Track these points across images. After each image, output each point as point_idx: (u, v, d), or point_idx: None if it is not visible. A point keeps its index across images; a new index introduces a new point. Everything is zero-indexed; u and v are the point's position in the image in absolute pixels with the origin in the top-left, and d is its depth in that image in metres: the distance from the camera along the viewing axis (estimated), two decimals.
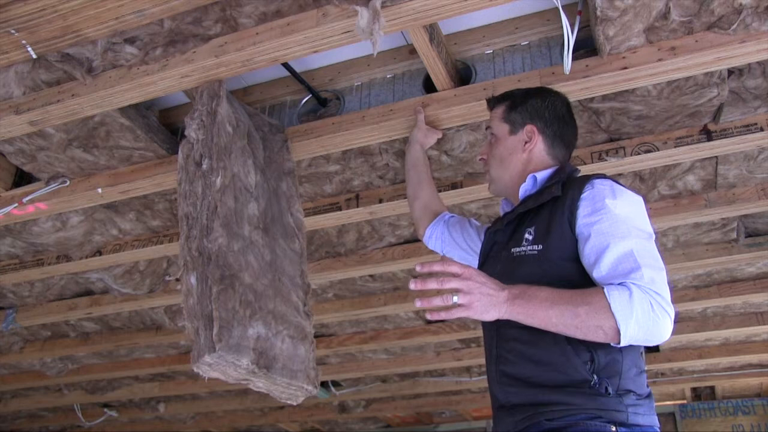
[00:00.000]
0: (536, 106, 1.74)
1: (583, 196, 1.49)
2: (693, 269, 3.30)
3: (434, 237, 2.08)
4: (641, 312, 1.30)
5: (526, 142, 1.71)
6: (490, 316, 1.32)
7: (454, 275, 1.31)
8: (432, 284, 1.27)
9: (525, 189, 1.65)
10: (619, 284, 1.35)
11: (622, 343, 1.32)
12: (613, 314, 1.30)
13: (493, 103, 1.81)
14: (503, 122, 1.73)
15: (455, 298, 1.28)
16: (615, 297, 1.31)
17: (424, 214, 2.13)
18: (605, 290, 1.33)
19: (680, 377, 5.08)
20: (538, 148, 1.71)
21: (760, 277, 3.48)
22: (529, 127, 1.72)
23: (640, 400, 1.40)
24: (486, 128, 1.74)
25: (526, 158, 1.70)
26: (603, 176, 1.55)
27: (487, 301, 1.30)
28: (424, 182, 2.17)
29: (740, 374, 4.97)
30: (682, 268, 3.22)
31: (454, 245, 2.04)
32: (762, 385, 5.47)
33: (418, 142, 2.19)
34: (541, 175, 1.65)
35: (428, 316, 1.30)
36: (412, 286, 1.27)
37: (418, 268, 1.30)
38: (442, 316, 1.28)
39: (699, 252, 3.14)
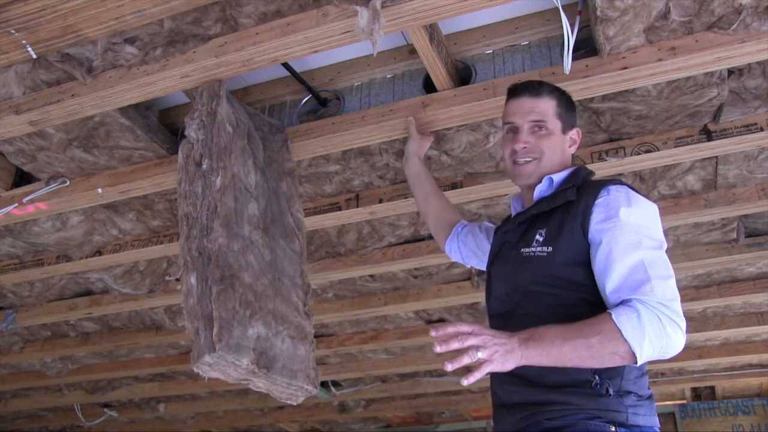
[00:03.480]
0: (573, 110, 1.76)
1: (597, 201, 1.49)
2: (693, 269, 3.30)
3: (453, 251, 2.11)
4: (652, 331, 1.31)
5: (571, 145, 1.72)
6: (510, 364, 1.30)
7: (468, 333, 1.30)
8: (454, 344, 1.27)
9: (540, 190, 1.65)
10: (625, 304, 1.35)
11: (639, 363, 1.33)
12: (625, 339, 1.30)
13: (537, 90, 1.70)
14: (557, 118, 1.69)
15: (480, 354, 1.27)
16: (624, 321, 1.31)
17: (440, 227, 2.14)
18: (613, 316, 1.33)
19: (680, 377, 5.09)
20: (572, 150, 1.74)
21: (760, 277, 3.48)
22: (577, 131, 1.74)
23: (641, 401, 1.40)
24: (537, 121, 1.66)
25: (566, 159, 1.71)
26: (619, 182, 1.55)
27: (504, 350, 1.29)
28: (430, 195, 2.17)
29: (740, 374, 4.97)
30: (682, 268, 3.22)
31: (470, 255, 2.06)
32: (762, 385, 5.47)
33: (415, 155, 2.20)
34: (558, 178, 1.65)
35: (464, 382, 1.27)
36: (438, 349, 1.28)
37: (432, 333, 1.30)
38: (476, 376, 1.27)
39: (699, 252, 3.14)
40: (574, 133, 1.73)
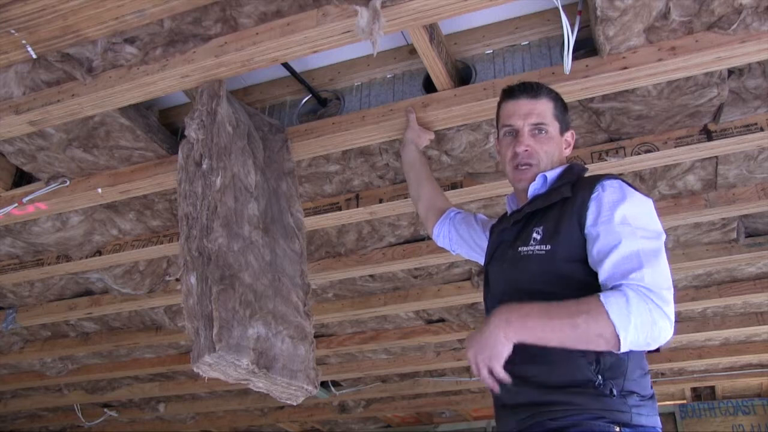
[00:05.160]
0: (567, 111, 1.76)
1: (593, 197, 1.49)
2: (693, 269, 3.30)
3: (442, 236, 2.09)
4: (639, 317, 1.30)
5: (566, 147, 1.73)
6: (502, 346, 1.35)
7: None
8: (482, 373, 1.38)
9: (534, 188, 1.64)
10: (614, 288, 1.34)
11: (622, 350, 1.32)
12: (611, 321, 1.29)
13: (535, 92, 1.68)
14: (555, 120, 1.68)
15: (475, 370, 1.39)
16: (611, 303, 1.30)
17: (430, 213, 2.12)
18: (601, 297, 1.32)
19: (680, 377, 5.08)
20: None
21: (760, 277, 3.48)
22: (572, 133, 1.75)
23: (644, 401, 1.40)
24: (537, 124, 1.65)
25: (562, 161, 1.71)
26: (613, 176, 1.55)
27: (484, 339, 1.36)
28: (424, 181, 2.17)
29: (740, 374, 4.97)
30: (682, 268, 3.22)
31: (461, 242, 2.04)
32: (762, 385, 5.47)
33: (412, 143, 2.19)
34: (551, 175, 1.64)
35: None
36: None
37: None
38: (487, 381, 1.38)
39: (699, 252, 3.14)
40: (569, 136, 1.74)
